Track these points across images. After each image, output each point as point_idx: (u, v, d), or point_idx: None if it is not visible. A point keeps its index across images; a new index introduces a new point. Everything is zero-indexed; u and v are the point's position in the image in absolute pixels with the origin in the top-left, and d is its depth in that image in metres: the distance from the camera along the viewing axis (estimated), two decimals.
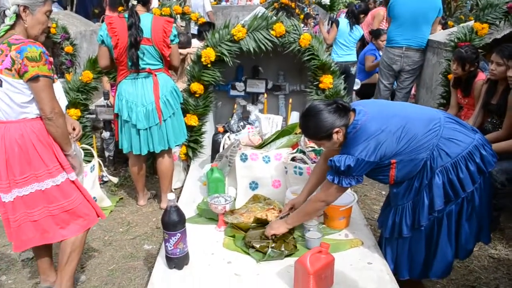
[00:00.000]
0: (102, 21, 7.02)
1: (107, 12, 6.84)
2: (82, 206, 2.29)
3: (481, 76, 3.67)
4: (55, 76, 2.21)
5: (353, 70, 5.66)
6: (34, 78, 2.02)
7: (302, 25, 8.19)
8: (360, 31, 5.72)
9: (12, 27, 2.10)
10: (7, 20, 2.08)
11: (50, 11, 2.23)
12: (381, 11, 6.81)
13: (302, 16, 8.41)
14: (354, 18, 5.55)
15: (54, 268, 2.52)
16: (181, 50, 4.25)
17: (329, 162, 2.12)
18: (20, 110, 2.09)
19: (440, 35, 4.84)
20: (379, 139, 2.01)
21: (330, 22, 9.01)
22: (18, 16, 2.09)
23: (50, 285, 2.46)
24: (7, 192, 2.13)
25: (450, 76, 3.94)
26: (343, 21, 5.54)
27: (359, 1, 9.18)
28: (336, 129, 2.06)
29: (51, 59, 2.17)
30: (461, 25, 4.34)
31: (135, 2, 3.04)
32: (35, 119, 2.13)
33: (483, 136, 2.16)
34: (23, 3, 2.08)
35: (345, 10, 7.76)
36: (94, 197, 3.41)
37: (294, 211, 2.44)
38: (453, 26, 5.30)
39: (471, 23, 4.24)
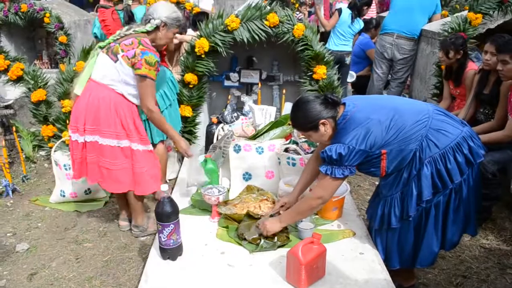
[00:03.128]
0: (96, 11, 6.97)
1: (102, 2, 6.77)
2: (121, 173, 2.70)
3: (472, 66, 3.67)
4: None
5: (348, 60, 5.65)
6: (142, 76, 2.55)
7: (298, 13, 8.17)
8: (360, 24, 5.61)
9: (147, 32, 2.65)
10: (148, 26, 2.66)
11: (176, 33, 2.83)
12: None
13: (297, 5, 8.37)
14: (357, 10, 5.48)
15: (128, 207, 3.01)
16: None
17: (321, 154, 2.13)
18: (115, 83, 2.60)
19: (434, 25, 4.84)
20: (368, 127, 2.03)
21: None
22: (157, 27, 2.66)
23: (128, 216, 3.06)
24: (82, 135, 2.63)
25: (443, 67, 3.95)
26: (346, 11, 5.45)
27: None
28: (323, 121, 2.09)
29: (160, 68, 2.70)
30: (455, 15, 4.34)
31: (130, 2, 3.03)
32: (119, 95, 2.62)
33: (472, 129, 2.18)
34: (165, 21, 2.67)
35: None
36: (89, 188, 3.43)
37: (288, 209, 2.43)
38: (448, 15, 5.29)
39: (465, 13, 4.24)
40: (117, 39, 2.64)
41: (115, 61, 2.58)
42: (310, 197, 2.26)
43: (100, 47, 2.68)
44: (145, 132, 2.79)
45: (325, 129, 2.11)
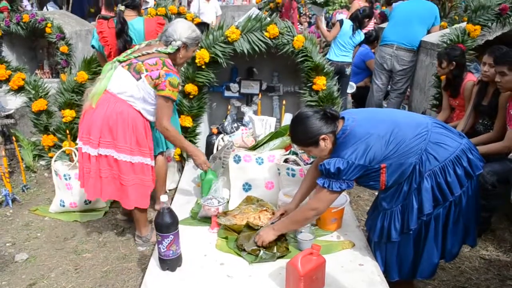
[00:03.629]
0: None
1: (103, 12, 6.80)
2: (131, 189, 2.68)
3: (471, 77, 3.70)
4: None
5: (348, 70, 5.66)
6: (165, 98, 2.60)
7: (299, 24, 8.22)
8: (361, 36, 5.61)
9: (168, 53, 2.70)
10: (169, 48, 2.68)
11: (195, 51, 2.91)
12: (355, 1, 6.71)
13: (298, 16, 8.43)
14: (358, 22, 5.51)
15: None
16: None
17: (319, 166, 2.14)
18: (134, 100, 2.62)
19: (433, 36, 4.88)
20: (368, 142, 2.03)
21: (326, 22, 9.03)
22: (178, 49, 2.69)
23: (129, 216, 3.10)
24: (95, 147, 2.59)
25: (443, 78, 3.97)
26: (347, 23, 5.46)
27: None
28: (323, 136, 2.09)
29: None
30: (454, 26, 4.37)
31: (122, 8, 3.02)
32: (137, 111, 2.65)
33: (470, 141, 2.19)
34: (185, 42, 2.70)
35: (341, 10, 7.75)
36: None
37: (283, 218, 2.44)
38: (447, 27, 5.33)
39: (464, 24, 4.27)
40: (138, 56, 2.64)
41: (138, 79, 2.59)
42: (305, 207, 2.27)
43: (119, 61, 2.68)
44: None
45: (325, 144, 2.11)
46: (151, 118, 2.76)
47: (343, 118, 2.16)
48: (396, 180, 2.11)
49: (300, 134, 2.16)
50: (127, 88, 2.61)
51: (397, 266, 2.25)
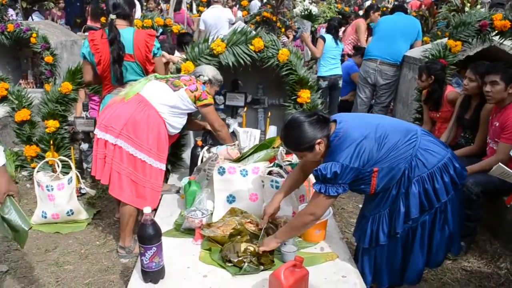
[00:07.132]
0: (84, 31, 6.97)
1: (89, 23, 6.80)
2: (147, 191, 2.86)
3: (449, 89, 3.78)
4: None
5: (340, 83, 5.75)
6: (207, 105, 3.04)
7: (283, 37, 8.31)
8: (341, 43, 5.84)
9: None
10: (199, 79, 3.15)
11: (216, 91, 3.37)
12: (361, 23, 6.92)
13: (283, 30, 8.52)
14: (336, 32, 5.72)
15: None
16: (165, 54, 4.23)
17: (314, 172, 2.14)
18: (163, 107, 2.87)
19: (416, 51, 4.97)
20: (362, 145, 2.06)
21: (311, 36, 9.13)
22: (204, 82, 3.15)
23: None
24: (116, 136, 2.74)
25: (424, 92, 4.05)
26: (328, 37, 5.64)
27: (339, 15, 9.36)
28: (318, 140, 2.10)
29: None
30: (436, 42, 4.46)
31: (113, 17, 3.02)
32: (162, 120, 2.88)
33: (452, 151, 2.25)
34: (211, 79, 3.22)
35: (325, 25, 7.86)
36: (71, 210, 3.40)
37: (283, 227, 2.43)
38: (429, 42, 5.43)
39: (445, 40, 4.36)
40: (174, 77, 3.04)
41: (175, 90, 2.92)
42: (303, 213, 2.27)
43: (156, 77, 3.00)
44: None
45: (320, 148, 2.12)
46: (171, 130, 2.97)
47: (335, 121, 2.18)
48: (386, 184, 2.14)
49: (295, 140, 2.14)
50: (161, 94, 2.88)
51: (387, 271, 2.28)
